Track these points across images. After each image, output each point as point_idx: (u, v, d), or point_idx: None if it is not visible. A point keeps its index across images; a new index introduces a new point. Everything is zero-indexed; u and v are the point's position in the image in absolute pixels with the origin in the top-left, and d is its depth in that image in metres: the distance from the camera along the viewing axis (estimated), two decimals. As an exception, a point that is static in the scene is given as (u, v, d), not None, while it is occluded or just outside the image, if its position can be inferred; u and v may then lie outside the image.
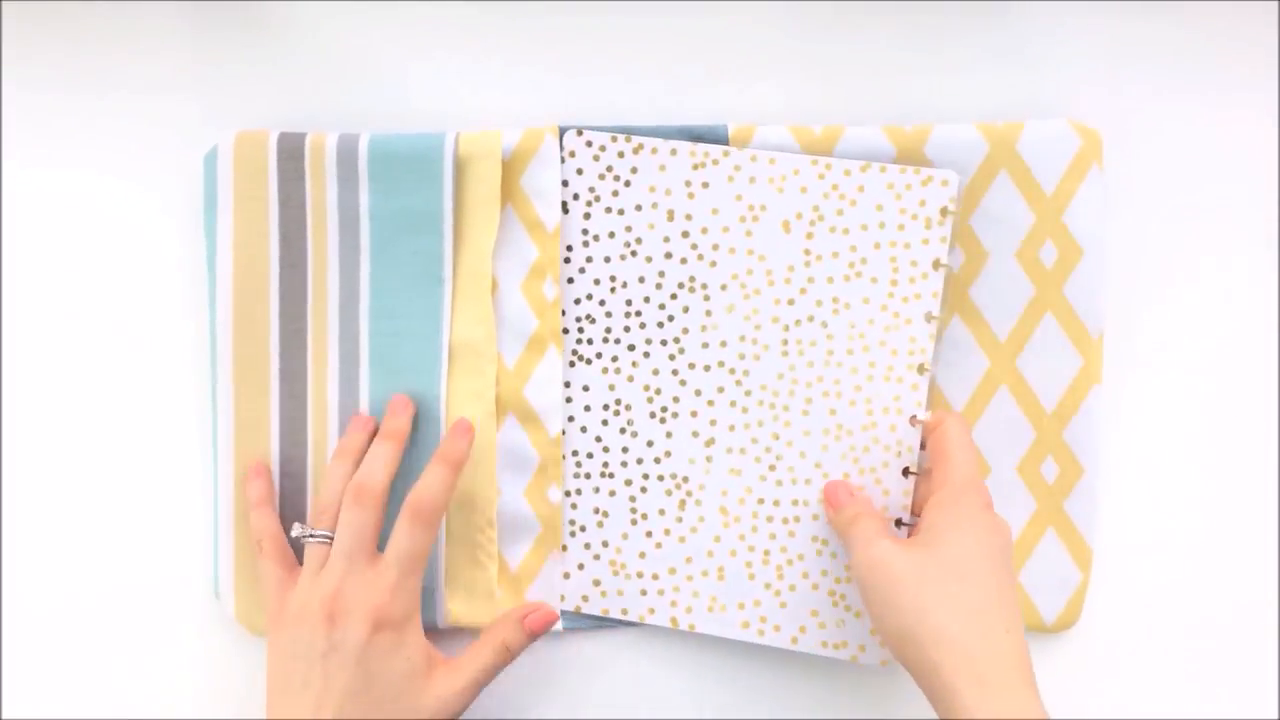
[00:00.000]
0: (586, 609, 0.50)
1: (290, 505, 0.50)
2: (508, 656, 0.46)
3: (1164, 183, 0.50)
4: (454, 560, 0.50)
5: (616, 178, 0.48)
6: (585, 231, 0.49)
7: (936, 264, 0.47)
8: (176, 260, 0.51)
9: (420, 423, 0.49)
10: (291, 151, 0.49)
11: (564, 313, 0.50)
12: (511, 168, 0.49)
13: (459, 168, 0.48)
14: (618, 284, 0.49)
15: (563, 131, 0.49)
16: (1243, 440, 0.50)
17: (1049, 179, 0.47)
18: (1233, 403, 0.50)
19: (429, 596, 0.49)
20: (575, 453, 0.50)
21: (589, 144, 0.48)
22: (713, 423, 0.49)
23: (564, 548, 0.50)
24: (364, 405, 0.50)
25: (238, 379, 0.50)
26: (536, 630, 0.46)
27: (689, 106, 0.50)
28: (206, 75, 0.51)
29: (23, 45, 0.51)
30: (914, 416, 0.48)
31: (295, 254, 0.49)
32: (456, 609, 0.50)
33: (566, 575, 0.51)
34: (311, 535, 0.46)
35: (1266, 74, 0.50)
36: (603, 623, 0.51)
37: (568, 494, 0.50)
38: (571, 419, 0.50)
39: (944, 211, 0.47)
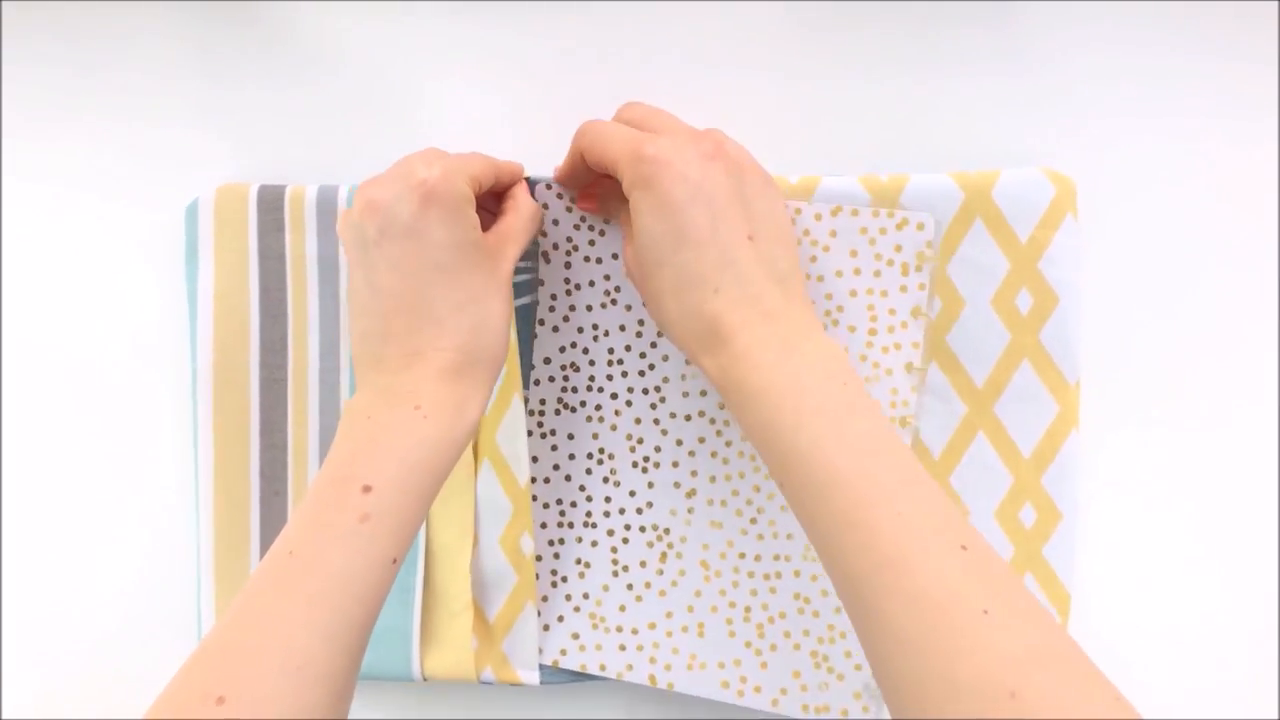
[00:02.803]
0: (565, 663, 0.49)
1: (271, 543, 0.51)
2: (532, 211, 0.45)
3: (1140, 229, 0.49)
4: (429, 611, 0.49)
5: (591, 227, 0.49)
6: (567, 280, 0.49)
7: (916, 312, 0.46)
8: (160, 308, 0.52)
9: None
10: (271, 203, 0.50)
11: (549, 360, 0.50)
12: None
13: None
14: (600, 332, 0.49)
15: (534, 183, 0.48)
16: (1221, 483, 0.49)
17: (1024, 227, 0.46)
18: (1211, 447, 0.49)
19: (403, 647, 0.49)
20: (559, 501, 0.50)
21: (560, 195, 0.49)
22: (694, 473, 0.48)
23: (544, 599, 0.50)
24: (349, 450, 0.50)
25: (218, 428, 0.50)
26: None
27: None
28: (203, 109, 0.51)
29: (15, 79, 0.52)
30: (904, 418, 0.47)
31: (275, 304, 0.50)
32: (432, 662, 0.49)
33: (546, 628, 0.50)
34: None
35: (1243, 123, 0.48)
36: (579, 677, 0.50)
37: (551, 544, 0.50)
38: (556, 467, 0.50)
39: (920, 256, 0.46)
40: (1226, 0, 0.47)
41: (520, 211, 0.45)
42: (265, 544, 0.50)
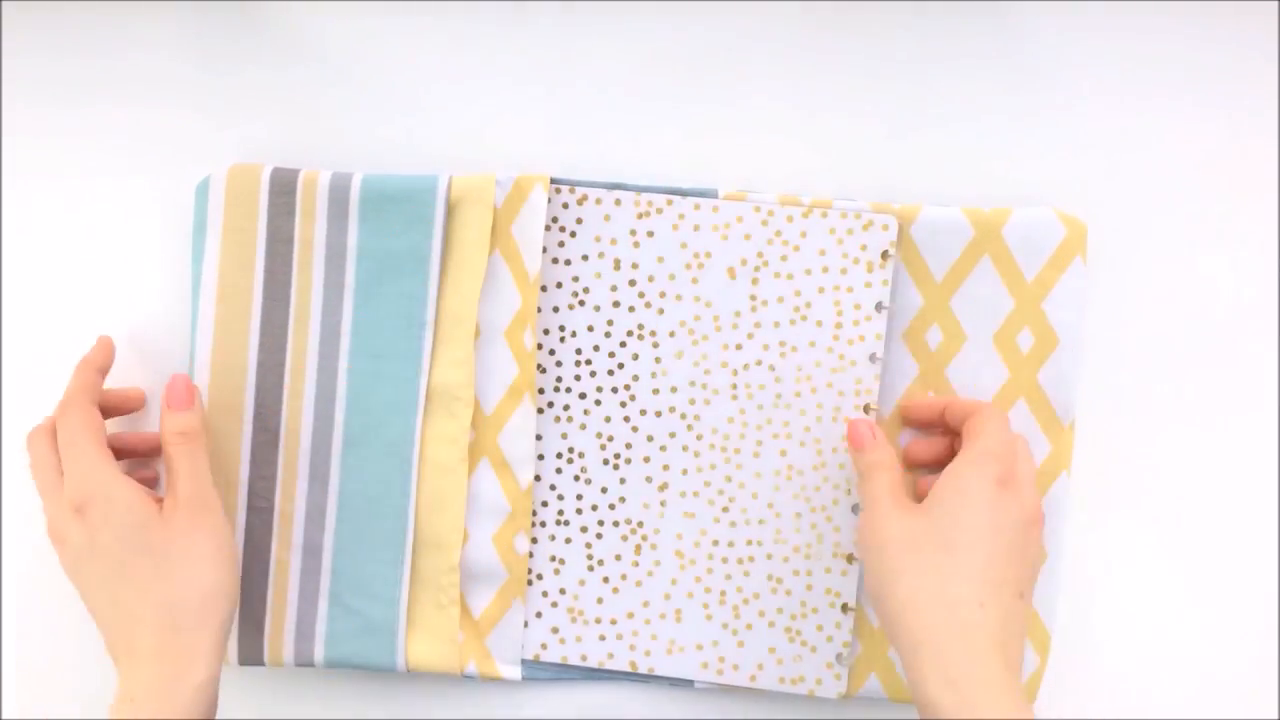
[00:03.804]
0: (546, 657, 0.51)
1: (256, 528, 0.50)
2: (185, 440, 0.45)
3: (1146, 277, 0.50)
4: (416, 602, 0.50)
5: (562, 229, 0.49)
6: (533, 283, 0.49)
7: (879, 306, 0.48)
8: (164, 284, 0.51)
9: (391, 464, 0.49)
10: (283, 186, 0.49)
11: (515, 362, 0.50)
12: (503, 215, 0.49)
13: (450, 211, 0.48)
14: (567, 333, 0.49)
15: (552, 183, 0.49)
16: (1207, 533, 0.51)
17: (1031, 266, 0.48)
18: (1200, 497, 0.51)
19: (389, 638, 0.49)
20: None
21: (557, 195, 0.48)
22: (665, 468, 0.50)
23: (522, 596, 0.51)
24: (337, 442, 0.50)
25: (211, 407, 0.50)
26: (177, 402, 0.46)
27: (681, 167, 0.50)
28: (205, 99, 0.51)
29: (22, 58, 0.51)
30: (867, 405, 0.48)
31: (279, 287, 0.49)
32: (417, 652, 0.50)
33: (525, 624, 0.51)
34: None
35: (1258, 175, 0.50)
36: (562, 671, 0.51)
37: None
38: (525, 467, 0.50)
39: (884, 255, 0.48)
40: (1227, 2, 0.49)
41: (171, 465, 0.46)
42: (248, 527, 0.50)
